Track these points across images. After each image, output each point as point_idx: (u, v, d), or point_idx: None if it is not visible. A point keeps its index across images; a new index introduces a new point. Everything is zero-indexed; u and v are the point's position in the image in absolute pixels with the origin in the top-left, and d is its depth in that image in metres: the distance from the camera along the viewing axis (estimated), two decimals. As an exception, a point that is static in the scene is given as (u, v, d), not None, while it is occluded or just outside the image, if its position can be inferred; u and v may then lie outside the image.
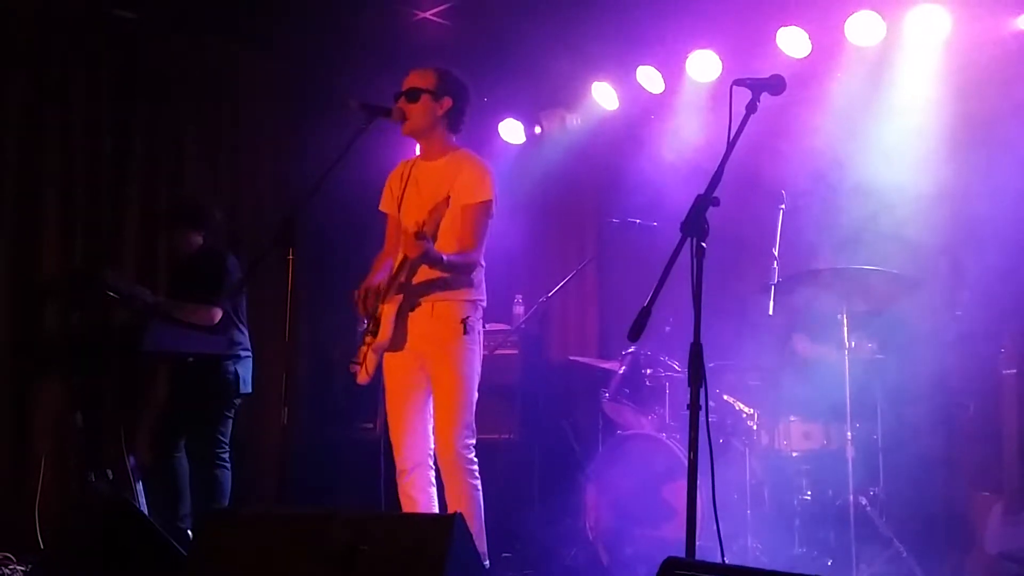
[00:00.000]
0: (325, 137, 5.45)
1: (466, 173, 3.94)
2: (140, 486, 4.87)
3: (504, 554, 5.52)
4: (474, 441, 3.89)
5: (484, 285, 4.04)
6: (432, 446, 3.94)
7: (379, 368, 3.98)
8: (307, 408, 6.36)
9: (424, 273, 3.89)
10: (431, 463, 3.95)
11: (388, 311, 3.90)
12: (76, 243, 5.79)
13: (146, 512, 4.57)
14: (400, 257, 3.89)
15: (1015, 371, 4.19)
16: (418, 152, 4.19)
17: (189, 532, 4.87)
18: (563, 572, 5.20)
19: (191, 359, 4.94)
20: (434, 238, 3.76)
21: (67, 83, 5.83)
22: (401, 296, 3.91)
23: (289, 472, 6.33)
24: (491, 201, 3.96)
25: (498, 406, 5.86)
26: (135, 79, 6.13)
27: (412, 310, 3.92)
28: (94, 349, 4.64)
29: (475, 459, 3.89)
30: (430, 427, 3.95)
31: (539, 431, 5.84)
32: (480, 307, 4.01)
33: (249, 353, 5.24)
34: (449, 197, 3.79)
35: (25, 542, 4.94)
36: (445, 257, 3.79)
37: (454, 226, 3.89)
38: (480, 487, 3.88)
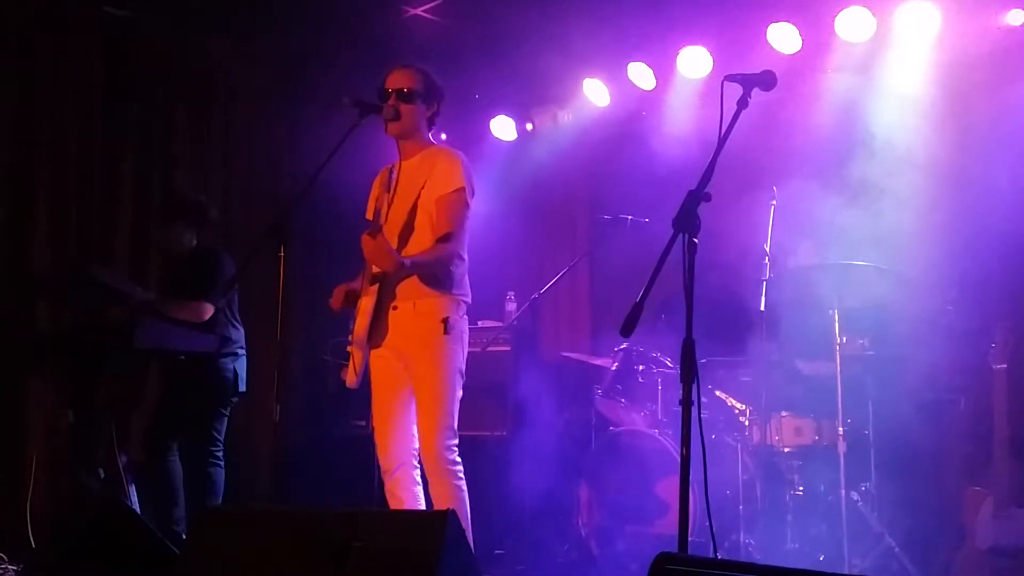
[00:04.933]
0: (317, 134, 5.43)
1: (439, 166, 3.92)
2: (133, 486, 4.84)
3: (497, 551, 5.52)
4: (456, 442, 3.82)
5: (467, 281, 3.98)
6: (417, 445, 3.89)
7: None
8: (300, 405, 6.34)
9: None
10: (416, 462, 3.90)
11: (365, 305, 3.88)
12: (68, 240, 5.76)
13: (139, 511, 4.54)
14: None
15: (1005, 366, 4.21)
16: (398, 153, 4.11)
17: (184, 536, 4.84)
18: (556, 568, 5.20)
19: (183, 357, 4.91)
20: (411, 233, 3.78)
21: (59, 80, 5.80)
22: (377, 287, 3.87)
23: (282, 469, 6.32)
24: (464, 188, 3.89)
25: (490, 403, 5.86)
26: (127, 76, 6.10)
27: (395, 308, 3.88)
28: (85, 346, 4.61)
29: (458, 460, 3.82)
30: (415, 427, 3.90)
31: (531, 428, 5.84)
32: (463, 304, 3.94)
33: (245, 351, 5.22)
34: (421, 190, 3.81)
35: (16, 541, 4.92)
36: (408, 261, 3.73)
37: (431, 220, 3.88)
38: (465, 487, 3.81)
